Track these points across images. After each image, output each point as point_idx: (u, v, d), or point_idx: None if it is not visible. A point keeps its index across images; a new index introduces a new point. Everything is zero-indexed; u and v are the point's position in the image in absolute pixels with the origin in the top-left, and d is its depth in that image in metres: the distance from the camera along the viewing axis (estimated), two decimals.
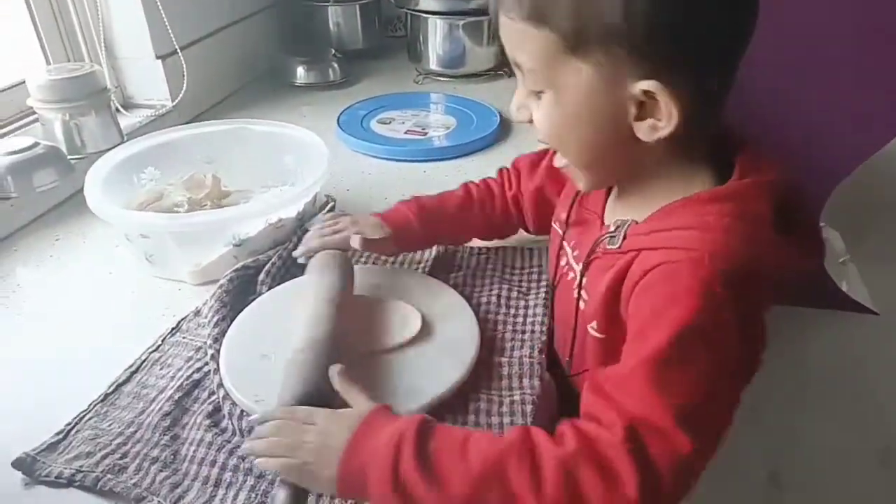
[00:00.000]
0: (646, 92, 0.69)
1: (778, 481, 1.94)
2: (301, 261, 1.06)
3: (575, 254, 0.92)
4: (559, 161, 0.84)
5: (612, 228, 0.82)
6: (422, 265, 1.15)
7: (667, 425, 0.62)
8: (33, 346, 1.01)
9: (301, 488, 0.72)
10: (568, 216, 0.93)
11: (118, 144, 1.41)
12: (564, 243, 0.95)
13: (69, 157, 1.35)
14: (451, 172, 1.47)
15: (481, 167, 1.48)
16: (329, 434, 0.72)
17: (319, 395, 0.79)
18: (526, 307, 1.05)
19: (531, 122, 0.80)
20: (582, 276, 0.85)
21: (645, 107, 0.70)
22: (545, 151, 1.07)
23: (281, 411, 0.76)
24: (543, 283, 1.09)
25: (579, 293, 0.86)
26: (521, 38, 0.72)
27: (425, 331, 0.96)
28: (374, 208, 1.12)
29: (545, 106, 0.75)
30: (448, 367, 0.91)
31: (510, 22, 0.72)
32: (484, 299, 1.07)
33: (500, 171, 1.14)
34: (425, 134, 1.60)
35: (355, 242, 1.02)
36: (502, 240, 1.17)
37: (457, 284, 1.10)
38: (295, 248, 1.13)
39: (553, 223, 1.00)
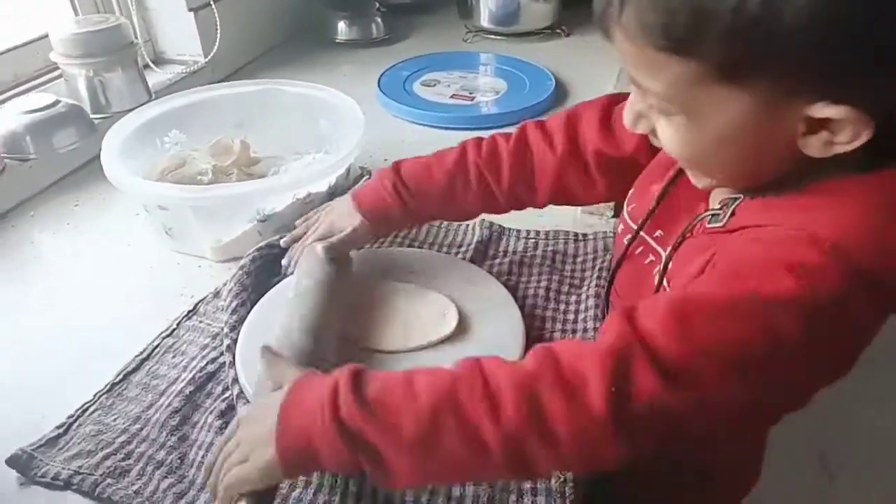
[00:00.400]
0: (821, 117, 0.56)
1: (827, 463, 1.82)
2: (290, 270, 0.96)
3: (658, 235, 0.80)
4: (699, 180, 0.71)
5: (716, 206, 0.70)
6: (462, 249, 1.04)
7: (669, 357, 0.54)
8: (41, 322, 0.94)
9: (262, 493, 0.64)
10: (661, 196, 0.79)
11: (145, 103, 1.33)
12: (644, 228, 0.83)
13: (92, 116, 1.28)
14: None
15: None
16: (257, 419, 0.64)
17: None
18: (578, 302, 0.94)
19: (651, 134, 0.67)
20: (669, 259, 0.74)
21: (817, 123, 0.58)
22: (610, 102, 0.89)
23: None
24: (597, 273, 0.97)
25: (661, 280, 0.74)
26: (651, 66, 0.59)
27: (462, 328, 0.86)
28: None
29: (678, 129, 0.63)
30: None
31: (636, 49, 0.59)
32: (531, 292, 0.96)
33: (523, 126, 0.92)
34: (472, 99, 1.48)
35: (316, 253, 0.89)
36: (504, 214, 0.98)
37: (500, 273, 0.99)
38: None
39: (627, 204, 0.87)
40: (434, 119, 1.41)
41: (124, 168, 1.02)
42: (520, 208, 0.94)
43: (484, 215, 1.03)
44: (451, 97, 1.48)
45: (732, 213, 0.67)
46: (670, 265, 0.73)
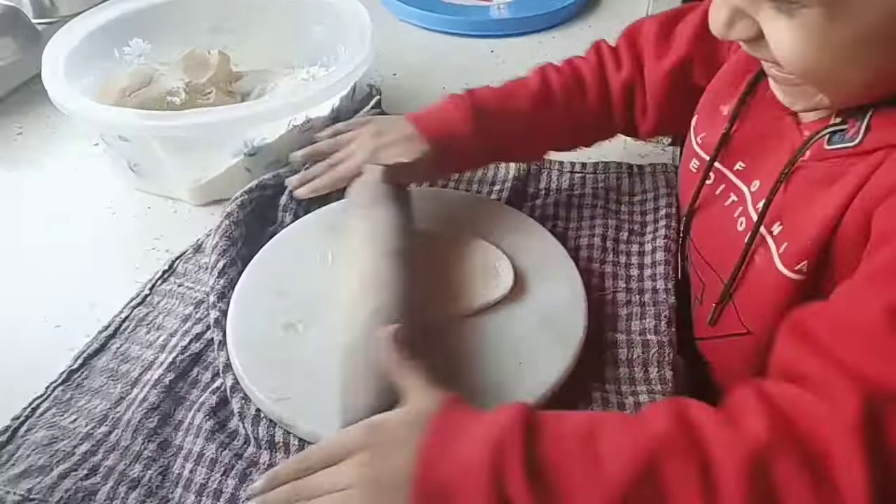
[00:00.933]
0: None
1: None
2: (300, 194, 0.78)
3: (739, 168, 0.63)
4: (803, 98, 0.54)
5: (835, 120, 0.55)
6: (496, 188, 0.86)
7: None
8: None
9: None
10: (734, 117, 0.63)
11: (100, 3, 1.10)
12: (719, 160, 0.66)
13: (35, 21, 1.05)
14: (526, 52, 1.15)
15: (567, 45, 1.15)
16: (385, 451, 0.49)
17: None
18: (641, 253, 0.77)
19: (751, 41, 0.51)
20: (770, 198, 0.57)
21: None
22: (676, 14, 0.76)
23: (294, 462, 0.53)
24: (662, 215, 0.80)
25: (759, 224, 0.59)
26: None
27: (516, 286, 0.69)
28: (426, 98, 0.81)
29: (807, 28, 0.47)
30: (548, 348, 0.64)
31: None
32: (584, 241, 0.78)
33: (597, 45, 0.80)
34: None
35: (372, 174, 0.71)
36: (588, 147, 0.85)
37: (544, 217, 0.81)
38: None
39: (695, 133, 0.70)
40: (448, 24, 1.20)
41: (72, 88, 0.81)
42: (595, 139, 0.82)
43: None
44: None
45: (868, 128, 0.51)
46: (770, 206, 0.57)
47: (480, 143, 0.74)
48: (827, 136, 0.55)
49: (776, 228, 0.57)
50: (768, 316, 0.58)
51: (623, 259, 0.76)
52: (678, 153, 0.91)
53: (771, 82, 0.56)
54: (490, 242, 0.74)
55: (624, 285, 0.73)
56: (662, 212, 0.80)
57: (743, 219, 0.61)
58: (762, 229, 0.58)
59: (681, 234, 0.74)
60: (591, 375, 0.65)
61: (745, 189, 0.62)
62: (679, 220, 0.78)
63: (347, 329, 0.61)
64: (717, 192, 0.65)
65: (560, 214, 0.82)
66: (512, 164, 0.88)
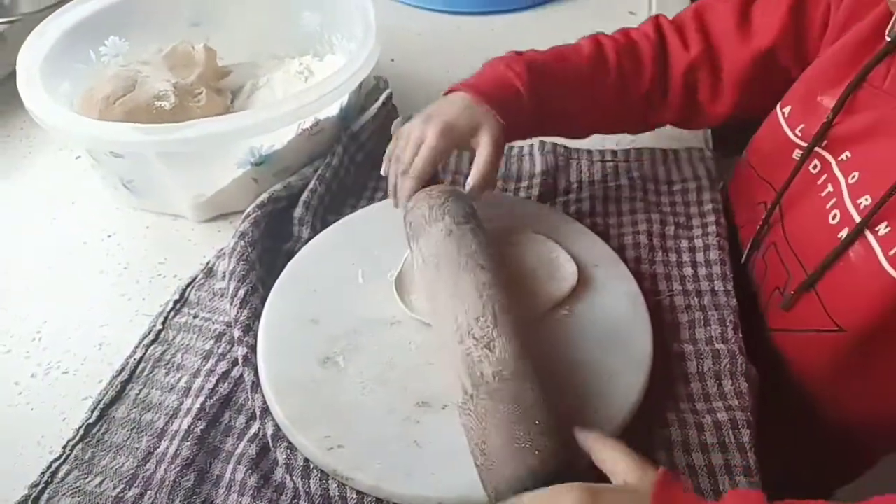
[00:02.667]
0: None
1: None
2: (402, 209, 0.67)
3: (844, 158, 0.59)
4: None
5: None
6: (524, 184, 0.80)
7: None
8: None
9: None
10: (841, 105, 0.59)
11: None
12: (823, 148, 0.62)
13: None
14: (528, 27, 1.08)
15: (569, 17, 1.08)
16: None
17: (569, 470, 0.48)
18: (692, 250, 0.72)
19: None
20: (886, 198, 0.54)
21: None
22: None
23: None
24: (709, 210, 0.75)
25: (864, 226, 0.55)
26: None
27: (576, 301, 0.64)
28: (432, 84, 0.74)
29: None
30: (618, 369, 0.59)
31: None
32: (629, 239, 0.73)
33: (657, 21, 0.74)
34: None
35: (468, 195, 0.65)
36: (633, 134, 0.80)
37: (581, 213, 0.76)
38: (342, 162, 0.78)
39: (781, 110, 0.66)
40: (442, 1, 1.12)
41: (51, 98, 0.73)
42: (644, 123, 0.77)
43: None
44: None
45: None
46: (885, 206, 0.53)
47: (535, 103, 0.68)
48: None
49: (882, 229, 0.53)
50: (866, 315, 0.55)
51: (674, 258, 0.71)
52: (710, 135, 0.86)
53: None
54: (531, 249, 0.68)
55: (680, 287, 0.69)
56: (708, 206, 0.75)
57: (836, 212, 0.57)
58: (868, 235, 0.54)
59: (764, 223, 0.68)
60: (661, 394, 0.60)
61: (842, 180, 0.58)
62: (722, 208, 0.75)
63: (452, 364, 0.54)
64: (819, 181, 0.61)
65: (597, 210, 0.76)
66: (538, 157, 0.82)
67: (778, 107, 0.66)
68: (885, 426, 0.66)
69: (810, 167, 0.62)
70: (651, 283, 0.69)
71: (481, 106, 0.66)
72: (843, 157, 0.59)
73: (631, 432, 0.57)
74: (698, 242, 0.72)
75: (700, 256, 0.71)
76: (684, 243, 0.73)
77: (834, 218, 0.58)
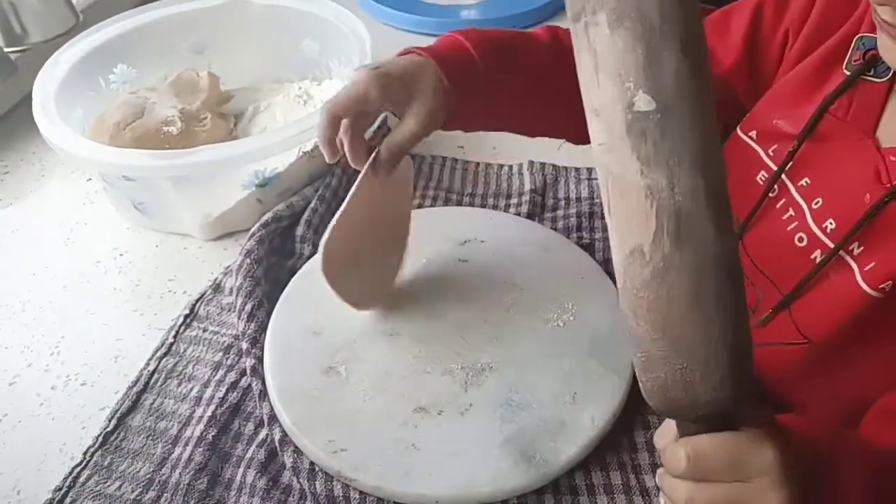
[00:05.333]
0: None
1: None
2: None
3: (803, 184, 0.62)
4: None
5: None
6: (513, 202, 0.84)
7: None
8: None
9: None
10: (809, 126, 0.61)
11: (73, 28, 1.06)
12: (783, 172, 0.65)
13: (7, 50, 0.99)
14: None
15: None
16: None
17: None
18: None
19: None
20: (859, 227, 0.56)
21: None
22: (732, 8, 0.71)
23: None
24: None
25: (839, 248, 0.57)
26: None
27: (561, 314, 0.68)
28: None
29: None
30: (602, 375, 0.63)
31: None
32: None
33: None
34: None
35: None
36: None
37: (568, 229, 0.80)
38: (340, 182, 0.83)
39: (743, 133, 0.68)
40: (435, 26, 1.17)
41: (66, 126, 0.77)
42: None
43: (533, 155, 0.86)
44: None
45: None
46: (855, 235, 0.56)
47: (487, 70, 0.65)
48: None
49: (856, 249, 0.57)
50: (834, 327, 0.58)
51: None
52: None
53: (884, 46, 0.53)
54: (521, 266, 0.72)
55: None
56: None
57: (802, 235, 0.60)
58: (848, 259, 0.58)
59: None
60: (643, 398, 0.64)
61: (804, 206, 0.61)
62: None
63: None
64: (778, 205, 0.64)
65: (584, 225, 0.81)
66: (527, 176, 0.86)
67: (739, 130, 0.69)
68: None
69: (771, 193, 0.65)
70: None
71: (429, 66, 0.62)
72: (803, 182, 0.62)
73: (615, 434, 0.61)
74: None
75: None
76: None
77: (801, 241, 0.61)
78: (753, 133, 0.68)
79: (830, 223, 0.58)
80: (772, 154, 0.66)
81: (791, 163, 0.63)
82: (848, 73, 0.59)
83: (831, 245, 0.58)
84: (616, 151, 0.37)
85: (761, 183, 0.66)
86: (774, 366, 0.67)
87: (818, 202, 0.60)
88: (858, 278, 0.56)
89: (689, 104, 0.36)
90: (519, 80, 0.68)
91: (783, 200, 0.64)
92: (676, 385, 0.40)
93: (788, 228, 0.61)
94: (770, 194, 0.65)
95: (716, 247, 0.37)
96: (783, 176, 0.64)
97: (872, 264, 0.55)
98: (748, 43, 0.68)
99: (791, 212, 0.63)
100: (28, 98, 0.81)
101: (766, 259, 0.66)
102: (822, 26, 0.64)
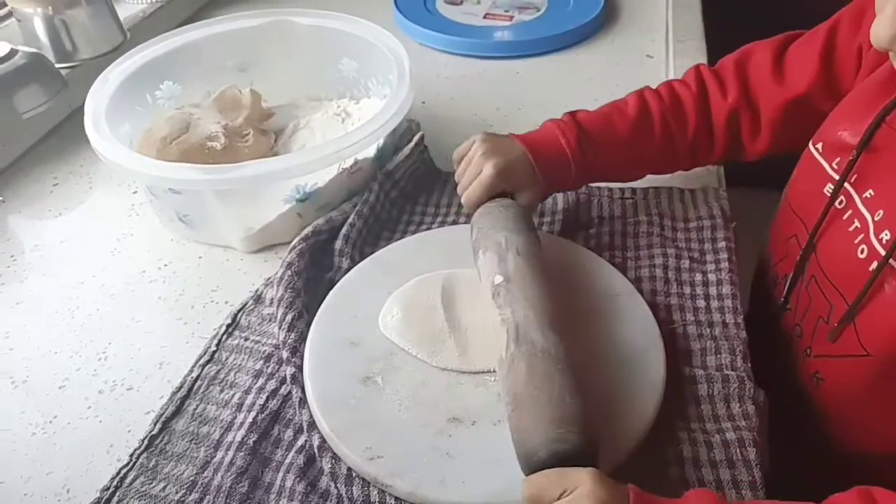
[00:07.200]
0: None
1: None
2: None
3: (868, 195, 0.63)
4: None
5: None
6: (547, 220, 0.86)
7: None
8: (33, 347, 0.75)
9: None
10: (867, 138, 0.64)
11: (120, 45, 1.10)
12: (849, 184, 0.66)
13: (58, 66, 1.03)
14: (552, 70, 1.15)
15: (591, 60, 1.15)
16: None
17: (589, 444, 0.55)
18: (705, 284, 0.77)
19: None
20: None
21: None
22: (784, 42, 0.77)
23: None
24: (722, 247, 0.80)
25: (888, 258, 0.59)
26: None
27: (587, 326, 0.70)
28: (460, 126, 0.81)
29: None
30: (634, 391, 0.64)
31: None
32: (645, 272, 0.79)
33: (697, 71, 0.82)
34: (511, 18, 1.25)
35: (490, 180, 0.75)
36: (688, 170, 0.88)
37: (601, 247, 0.82)
38: (378, 198, 0.85)
39: (812, 145, 0.71)
40: (469, 46, 1.19)
41: (115, 140, 0.80)
42: (692, 166, 0.85)
43: None
44: (486, 17, 1.25)
45: None
46: None
47: (581, 165, 0.78)
48: None
49: None
50: (887, 341, 0.59)
51: (688, 290, 0.76)
52: (722, 173, 0.92)
53: None
54: (553, 280, 0.74)
55: (693, 318, 0.74)
56: (722, 243, 0.80)
57: (864, 247, 0.61)
58: (892, 261, 0.59)
59: (802, 256, 0.72)
60: (674, 414, 0.65)
61: (868, 218, 0.62)
62: (734, 245, 0.80)
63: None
64: (844, 217, 0.65)
65: (616, 244, 0.82)
66: (560, 196, 0.87)
67: (811, 143, 0.71)
68: None
69: (836, 203, 0.66)
70: (666, 313, 0.74)
71: (533, 164, 0.76)
72: (868, 194, 0.63)
73: (646, 448, 0.62)
74: (711, 277, 0.77)
75: (713, 290, 0.76)
76: (698, 277, 0.78)
77: (862, 252, 0.62)
78: (820, 145, 0.70)
79: (886, 234, 0.59)
80: (835, 167, 0.67)
81: (854, 175, 0.65)
82: None
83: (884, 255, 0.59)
84: (489, 302, 0.65)
85: (828, 195, 0.67)
86: (843, 379, 0.68)
87: (880, 214, 0.60)
88: None
89: (522, 277, 0.65)
90: (608, 163, 0.80)
91: (850, 212, 0.65)
92: (523, 437, 0.54)
93: (855, 241, 0.62)
94: (838, 206, 0.66)
95: (541, 344, 0.58)
96: (850, 188, 0.65)
97: None
98: (824, 61, 0.72)
99: (857, 223, 0.64)
100: (77, 112, 0.85)
101: (835, 271, 0.67)
102: None
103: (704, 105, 0.79)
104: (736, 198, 0.87)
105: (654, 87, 0.82)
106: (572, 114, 0.79)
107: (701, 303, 0.75)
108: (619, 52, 0.89)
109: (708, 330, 0.72)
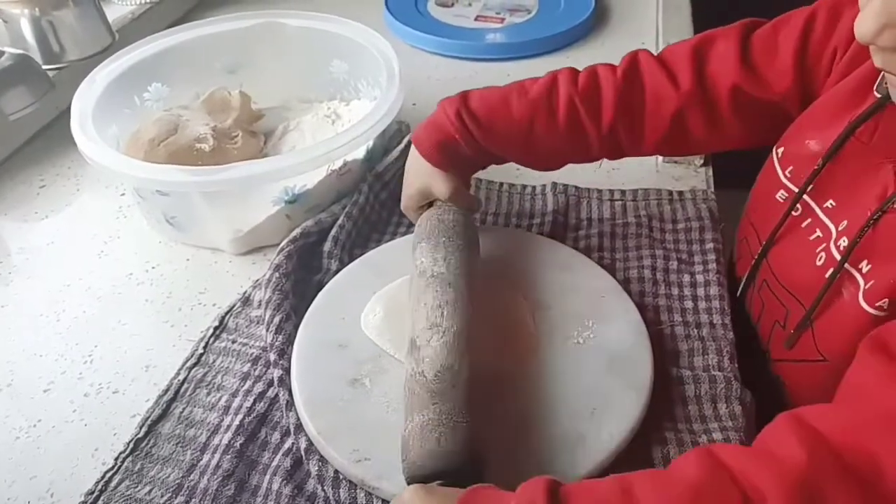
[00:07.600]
0: None
1: None
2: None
3: (829, 206, 0.64)
4: None
5: None
6: (536, 221, 0.86)
7: None
8: (17, 350, 0.74)
9: None
10: (833, 150, 0.62)
11: (109, 47, 1.09)
12: (808, 194, 0.66)
13: (45, 67, 1.02)
14: (544, 73, 1.13)
15: (583, 62, 1.13)
16: None
17: (472, 457, 0.56)
18: (693, 285, 0.77)
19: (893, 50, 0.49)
20: (858, 239, 0.58)
21: None
22: (745, 32, 0.71)
23: None
24: (710, 249, 0.80)
25: (843, 262, 0.59)
26: None
27: (576, 329, 0.70)
28: None
29: None
30: (620, 391, 0.64)
31: None
32: (633, 273, 0.79)
33: (634, 56, 0.74)
34: (503, 21, 1.25)
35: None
36: (612, 159, 0.80)
37: (589, 248, 0.82)
38: (367, 200, 0.85)
39: (774, 150, 0.70)
40: (460, 48, 1.19)
41: (102, 142, 0.80)
42: (614, 157, 0.78)
43: (556, 176, 0.86)
44: (477, 19, 1.25)
45: None
46: (857, 246, 0.58)
47: (473, 146, 0.74)
48: None
49: (864, 267, 0.58)
50: (844, 346, 0.59)
51: (676, 291, 0.77)
52: (710, 175, 0.92)
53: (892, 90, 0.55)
54: (541, 283, 0.74)
55: (680, 319, 0.74)
56: (710, 245, 0.80)
57: (824, 254, 0.62)
58: (849, 267, 0.59)
59: (756, 261, 0.72)
60: (661, 415, 0.65)
61: (832, 227, 0.62)
62: (722, 247, 0.80)
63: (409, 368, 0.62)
64: (803, 224, 0.65)
65: (605, 245, 0.82)
66: (550, 197, 0.87)
67: (774, 147, 0.70)
68: None
69: (795, 212, 0.66)
70: (654, 314, 0.74)
71: (429, 164, 0.75)
72: (828, 204, 0.63)
73: (633, 449, 0.62)
74: (699, 278, 0.77)
75: (700, 291, 0.76)
76: (686, 278, 0.78)
77: (820, 260, 0.62)
78: (781, 151, 0.69)
79: (843, 241, 0.60)
80: (788, 174, 0.67)
81: (812, 185, 0.65)
82: (879, 95, 0.59)
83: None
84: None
85: (781, 201, 0.67)
86: (802, 383, 0.68)
87: (843, 224, 0.61)
88: (860, 296, 0.57)
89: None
90: (502, 147, 0.76)
91: (809, 220, 0.65)
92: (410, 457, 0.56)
93: (816, 250, 0.62)
94: (794, 213, 0.66)
95: (430, 388, 0.58)
96: (807, 198, 0.65)
97: (872, 282, 0.56)
98: (798, 66, 0.67)
99: (819, 233, 0.64)
100: (64, 114, 0.84)
101: (790, 278, 0.67)
102: (864, 47, 0.64)
103: (630, 94, 0.72)
104: (724, 200, 0.87)
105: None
106: (466, 92, 0.75)
107: (689, 304, 0.75)
108: (609, 54, 0.88)
109: (695, 331, 0.72)
